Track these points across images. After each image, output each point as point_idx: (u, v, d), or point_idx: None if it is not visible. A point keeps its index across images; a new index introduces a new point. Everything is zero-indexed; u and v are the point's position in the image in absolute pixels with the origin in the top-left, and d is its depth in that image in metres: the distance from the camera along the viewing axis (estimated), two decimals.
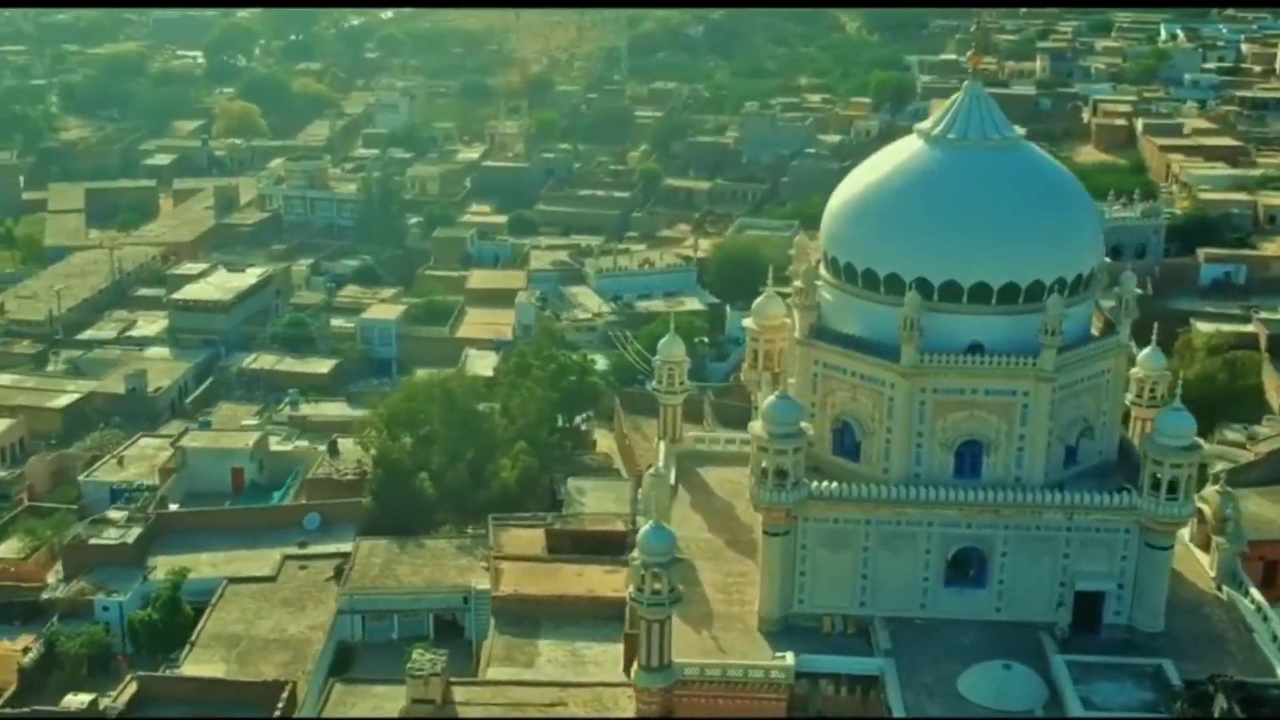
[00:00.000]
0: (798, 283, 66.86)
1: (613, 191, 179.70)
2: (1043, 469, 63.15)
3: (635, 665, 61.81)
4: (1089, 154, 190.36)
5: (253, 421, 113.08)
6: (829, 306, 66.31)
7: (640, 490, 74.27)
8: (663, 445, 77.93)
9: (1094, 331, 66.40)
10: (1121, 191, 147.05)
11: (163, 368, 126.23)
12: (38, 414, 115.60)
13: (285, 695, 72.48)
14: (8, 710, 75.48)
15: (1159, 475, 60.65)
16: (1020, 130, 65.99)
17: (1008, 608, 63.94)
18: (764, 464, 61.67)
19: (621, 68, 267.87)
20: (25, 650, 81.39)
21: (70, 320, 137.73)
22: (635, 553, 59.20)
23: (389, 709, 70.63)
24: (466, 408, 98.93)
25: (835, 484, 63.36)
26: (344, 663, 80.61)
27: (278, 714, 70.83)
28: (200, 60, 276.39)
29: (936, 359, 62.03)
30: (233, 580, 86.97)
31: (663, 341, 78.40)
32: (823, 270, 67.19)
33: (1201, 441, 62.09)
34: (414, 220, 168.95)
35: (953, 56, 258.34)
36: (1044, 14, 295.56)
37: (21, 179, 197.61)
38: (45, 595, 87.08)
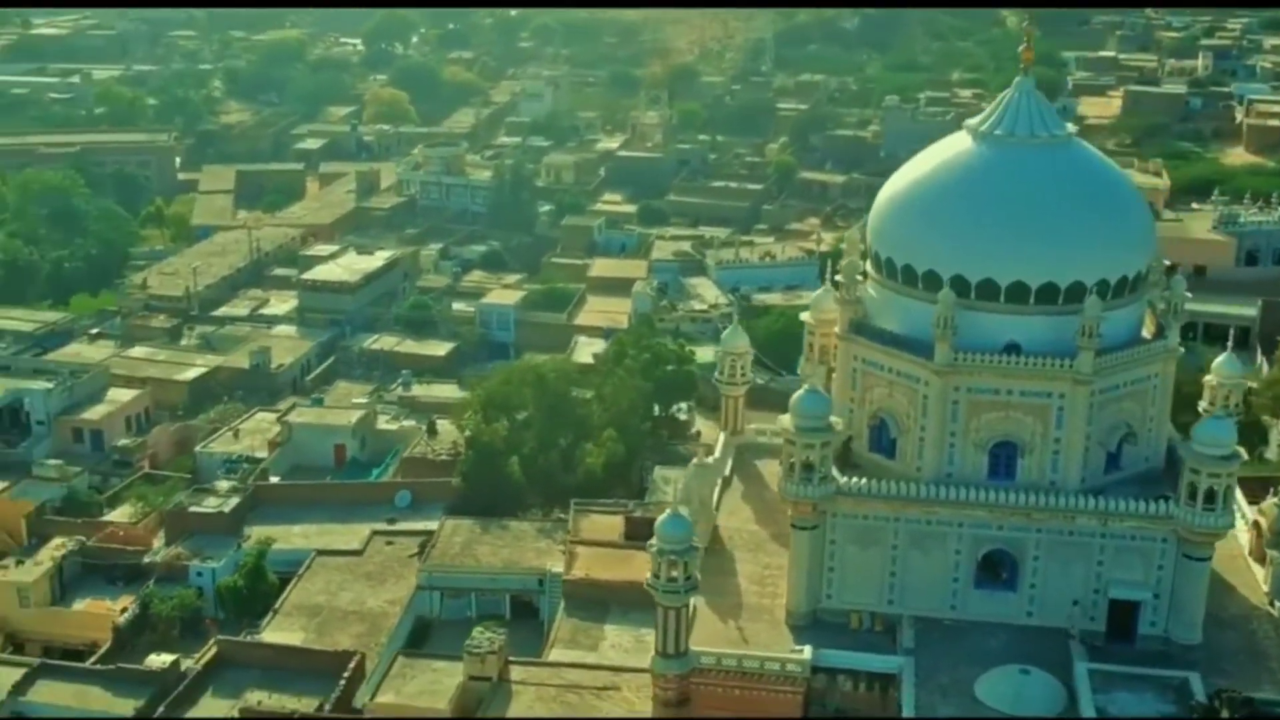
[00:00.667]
0: (840, 277, 66.72)
1: (745, 183, 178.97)
2: (1079, 473, 61.93)
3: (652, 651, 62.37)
4: (1238, 155, 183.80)
5: (363, 400, 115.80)
6: (872, 302, 66.03)
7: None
8: (723, 436, 78.29)
9: (1145, 334, 64.98)
10: (1260, 194, 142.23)
11: (288, 345, 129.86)
12: (166, 385, 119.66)
13: (353, 665, 75.14)
14: (97, 666, 79.42)
15: (1197, 485, 59.12)
16: (1072, 128, 64.70)
17: (1039, 612, 62.86)
18: (792, 458, 61.65)
19: (768, 59, 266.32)
20: (123, 610, 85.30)
21: (207, 297, 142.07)
22: (653, 540, 59.71)
23: (446, 683, 72.74)
24: (560, 393, 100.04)
25: (863, 480, 62.95)
26: (420, 637, 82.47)
27: (343, 682, 73.45)
28: (359, 48, 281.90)
29: (971, 358, 61.23)
30: (321, 553, 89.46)
31: (725, 333, 78.87)
32: (868, 266, 66.90)
33: (1242, 451, 60.31)
34: (545, 208, 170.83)
35: (1112, 53, 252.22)
36: (1212, 10, 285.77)
37: (178, 160, 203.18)
38: (147, 559, 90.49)
